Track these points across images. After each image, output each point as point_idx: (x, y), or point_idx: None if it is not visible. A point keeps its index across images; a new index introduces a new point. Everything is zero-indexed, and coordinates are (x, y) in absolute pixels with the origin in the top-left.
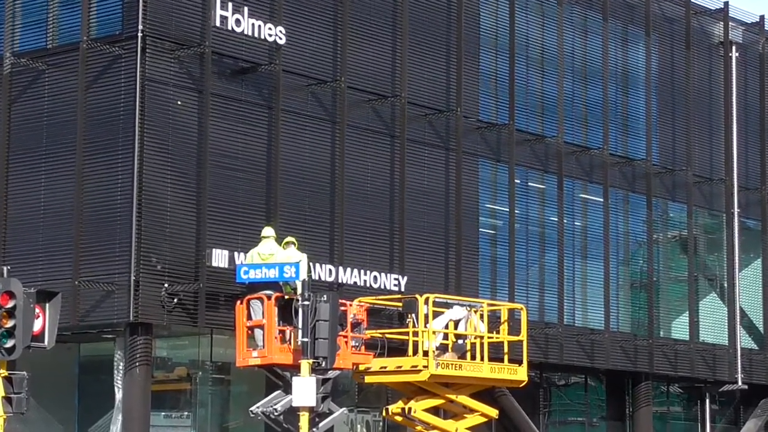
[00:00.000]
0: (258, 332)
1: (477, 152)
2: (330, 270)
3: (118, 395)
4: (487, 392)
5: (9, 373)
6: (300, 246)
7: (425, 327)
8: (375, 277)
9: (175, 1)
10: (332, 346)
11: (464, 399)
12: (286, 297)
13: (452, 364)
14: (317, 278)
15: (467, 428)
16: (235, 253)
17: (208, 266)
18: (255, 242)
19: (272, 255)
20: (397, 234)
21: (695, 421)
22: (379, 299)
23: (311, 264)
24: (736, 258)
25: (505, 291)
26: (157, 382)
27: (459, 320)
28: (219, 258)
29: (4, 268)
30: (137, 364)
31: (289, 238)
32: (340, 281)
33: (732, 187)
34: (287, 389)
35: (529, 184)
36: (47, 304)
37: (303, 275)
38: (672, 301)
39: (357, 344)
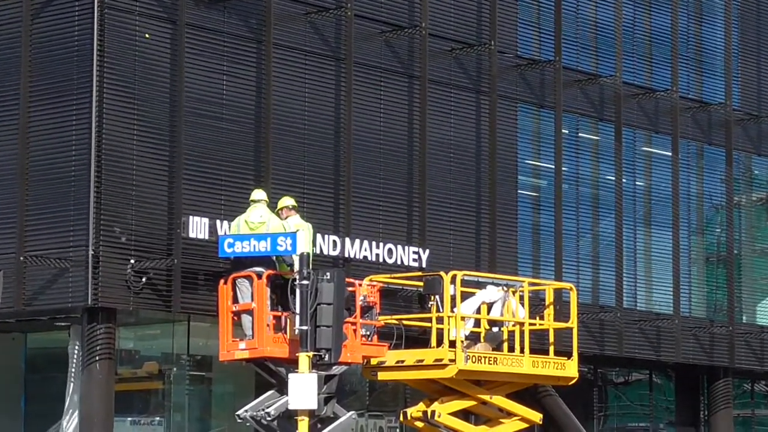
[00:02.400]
0: (246, 319)
1: (515, 96)
2: (334, 242)
3: (74, 396)
4: (528, 392)
5: None
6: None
7: (452, 312)
8: (390, 251)
9: None
10: (337, 336)
11: (500, 400)
12: (281, 275)
13: (485, 358)
14: (319, 252)
15: None
16: (218, 222)
17: (183, 238)
18: (242, 208)
19: (263, 223)
20: (417, 197)
21: None
22: (394, 277)
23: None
24: None
25: (550, 267)
26: (122, 380)
27: (493, 303)
28: (197, 227)
29: None
30: (97, 358)
31: (287, 200)
32: (346, 256)
33: None
34: (282, 389)
35: (580, 134)
36: None
37: (301, 248)
38: (757, 278)
39: (368, 333)
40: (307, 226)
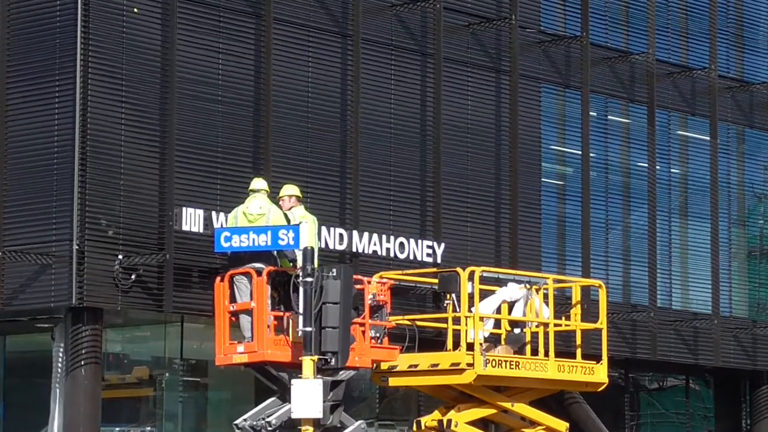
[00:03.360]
0: (245, 319)
1: (539, 75)
2: (341, 235)
3: (58, 405)
4: (553, 399)
5: None
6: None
7: (470, 311)
8: (401, 245)
9: None
10: (344, 338)
11: (523, 408)
12: (283, 272)
13: (506, 362)
14: (324, 246)
15: None
16: (213, 214)
17: (176, 231)
18: (240, 199)
19: (263, 215)
20: (431, 186)
21: None
22: (407, 274)
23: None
24: None
25: (577, 262)
26: (109, 386)
27: (515, 302)
28: (191, 220)
29: None
30: (83, 362)
31: (290, 189)
32: (354, 250)
33: None
34: (284, 396)
35: (609, 117)
36: None
37: (305, 242)
38: None
39: (378, 335)
40: (312, 218)
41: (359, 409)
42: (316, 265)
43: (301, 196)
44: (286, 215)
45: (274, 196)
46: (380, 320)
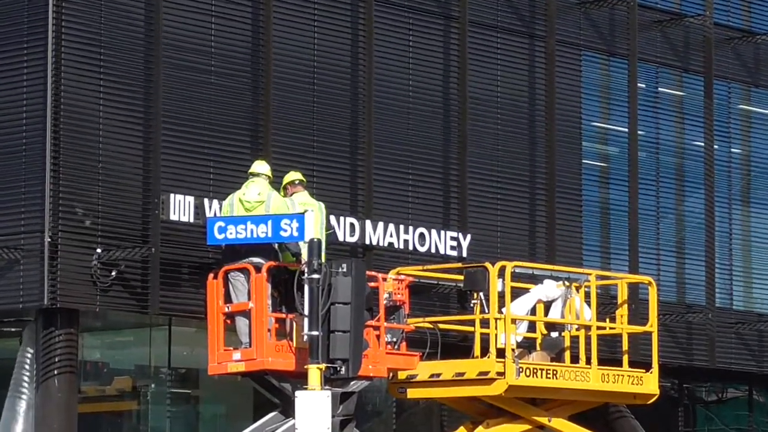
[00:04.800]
0: (242, 322)
1: (579, 41)
2: (352, 225)
3: (22, 420)
4: (597, 412)
5: None
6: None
7: (500, 313)
8: (422, 236)
9: None
10: (356, 344)
11: (561, 423)
12: (286, 268)
13: (543, 370)
14: (333, 238)
15: None
16: (206, 201)
17: (163, 221)
18: (236, 184)
19: (262, 203)
20: (455, 169)
21: None
22: (427, 270)
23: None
24: None
25: (623, 256)
26: (87, 399)
27: (552, 302)
28: (180, 208)
29: None
30: (56, 372)
31: (294, 175)
32: (367, 243)
33: None
34: (287, 410)
35: (660, 89)
36: None
37: (311, 233)
38: None
39: (395, 340)
40: (318, 206)
41: (373, 425)
42: (323, 259)
43: (304, 180)
44: (287, 203)
45: (277, 184)
46: (397, 323)
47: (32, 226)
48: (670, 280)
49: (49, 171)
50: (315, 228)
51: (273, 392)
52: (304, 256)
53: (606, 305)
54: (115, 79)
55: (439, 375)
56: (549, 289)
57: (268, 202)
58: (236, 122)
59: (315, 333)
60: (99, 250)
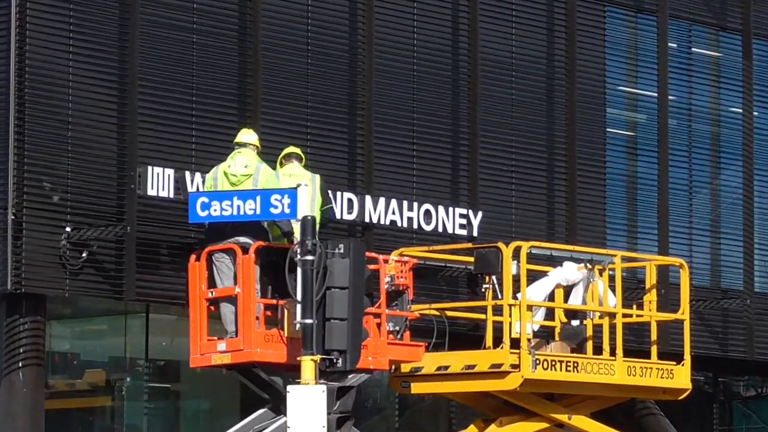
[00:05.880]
0: (227, 309)
1: None
2: (350, 202)
3: None
4: (622, 409)
5: None
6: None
7: (515, 298)
8: (427, 214)
9: None
10: (355, 333)
11: (582, 421)
12: (276, 248)
13: (562, 362)
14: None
15: None
16: (187, 174)
17: (140, 196)
18: (221, 156)
19: (250, 176)
20: (465, 140)
21: None
22: (434, 251)
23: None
24: None
25: (651, 236)
26: (56, 394)
27: (573, 286)
28: (159, 182)
29: None
30: (20, 364)
31: (291, 149)
32: (367, 221)
33: None
34: (278, 406)
35: (693, 49)
36: None
37: (304, 210)
38: None
39: (398, 328)
40: (312, 178)
41: (374, 423)
42: (317, 238)
43: (301, 153)
44: (277, 176)
45: (266, 156)
46: (400, 310)
47: None
48: (703, 262)
49: (12, 141)
50: (310, 204)
51: (262, 387)
52: (297, 236)
53: (632, 290)
54: (86, 38)
55: (446, 368)
56: (569, 272)
57: (256, 176)
58: (221, 86)
59: (309, 321)
60: (68, 229)
